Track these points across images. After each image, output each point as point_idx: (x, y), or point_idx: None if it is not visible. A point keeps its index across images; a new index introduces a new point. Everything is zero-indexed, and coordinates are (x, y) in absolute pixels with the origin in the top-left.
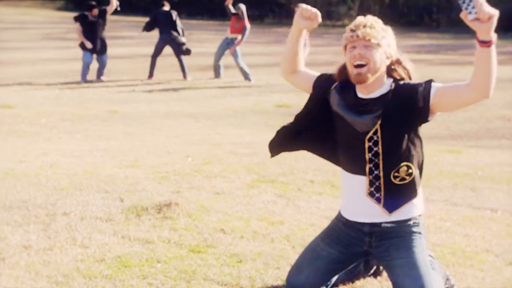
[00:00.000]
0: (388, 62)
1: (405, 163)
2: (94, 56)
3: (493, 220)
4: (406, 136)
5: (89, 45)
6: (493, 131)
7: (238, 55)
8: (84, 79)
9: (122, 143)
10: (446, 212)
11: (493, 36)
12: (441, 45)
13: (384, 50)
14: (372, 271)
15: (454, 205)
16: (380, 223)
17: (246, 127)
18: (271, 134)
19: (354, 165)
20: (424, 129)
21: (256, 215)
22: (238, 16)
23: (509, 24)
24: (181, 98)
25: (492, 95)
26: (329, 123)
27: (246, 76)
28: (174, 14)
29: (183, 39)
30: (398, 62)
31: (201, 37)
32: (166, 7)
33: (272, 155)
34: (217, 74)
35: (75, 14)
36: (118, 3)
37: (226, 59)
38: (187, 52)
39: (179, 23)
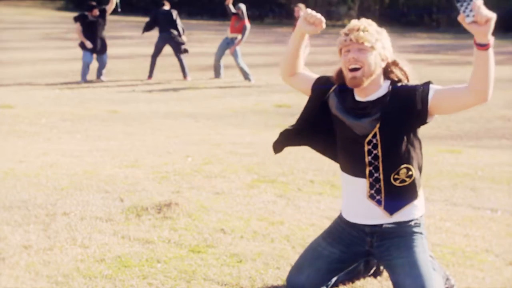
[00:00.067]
0: (383, 64)
1: (405, 165)
2: (94, 56)
3: (493, 220)
4: (405, 138)
5: (89, 44)
6: (493, 131)
7: (238, 55)
8: (84, 79)
9: (122, 143)
10: (446, 212)
11: (491, 39)
12: (441, 45)
13: (379, 53)
14: (372, 271)
15: (454, 205)
16: (381, 224)
17: (246, 127)
18: (271, 134)
19: (354, 168)
20: (424, 129)
21: (256, 215)
22: (238, 15)
23: (508, 25)
24: (181, 98)
25: (492, 96)
26: (329, 125)
27: (246, 76)
28: (175, 13)
29: (183, 38)
30: (394, 63)
31: (201, 37)
32: (166, 7)
33: (276, 153)
34: (217, 74)
35: (75, 14)
36: (118, 2)
37: (226, 59)
38: (185, 51)
39: (179, 22)
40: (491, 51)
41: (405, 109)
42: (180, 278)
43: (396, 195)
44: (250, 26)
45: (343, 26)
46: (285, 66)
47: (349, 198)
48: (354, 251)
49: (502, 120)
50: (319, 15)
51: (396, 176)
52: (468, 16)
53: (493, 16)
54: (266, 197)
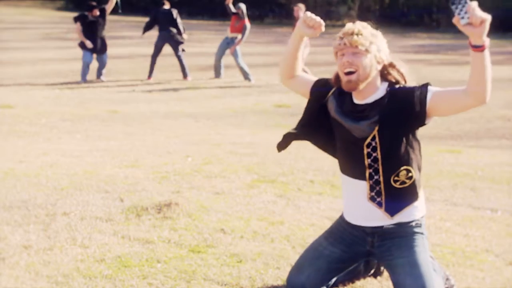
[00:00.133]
0: (379, 67)
1: (404, 167)
2: (94, 56)
3: (493, 220)
4: (404, 140)
5: (89, 44)
6: (493, 131)
7: (238, 54)
8: (84, 79)
9: (122, 143)
10: (446, 212)
11: (486, 41)
12: (441, 45)
13: (374, 56)
14: (372, 271)
15: (454, 205)
16: (382, 226)
17: (246, 127)
18: (271, 134)
19: (354, 170)
20: (424, 129)
21: (256, 215)
22: (238, 15)
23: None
24: (181, 98)
25: (492, 96)
26: (329, 126)
27: (246, 76)
28: (175, 12)
29: (184, 36)
30: (391, 65)
31: (201, 37)
32: (166, 6)
33: (280, 151)
34: (217, 74)
35: (75, 14)
36: (119, 2)
37: (226, 59)
38: (182, 50)
39: (179, 21)
40: (487, 52)
41: (403, 111)
42: (180, 278)
43: (396, 196)
44: (250, 26)
45: (343, 26)
46: (284, 67)
47: (350, 199)
48: (355, 251)
49: (502, 120)
50: (318, 18)
51: (396, 178)
52: (463, 18)
53: (487, 17)
54: (266, 197)
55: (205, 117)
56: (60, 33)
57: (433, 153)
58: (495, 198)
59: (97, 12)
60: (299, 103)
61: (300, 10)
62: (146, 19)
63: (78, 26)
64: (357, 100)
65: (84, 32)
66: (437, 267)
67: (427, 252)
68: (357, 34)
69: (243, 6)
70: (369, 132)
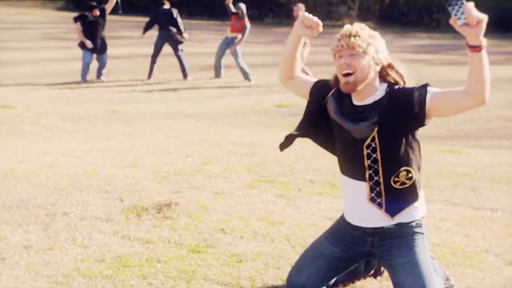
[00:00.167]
0: (378, 68)
1: (404, 167)
2: (94, 56)
3: (493, 220)
4: (403, 140)
5: (89, 44)
6: (493, 131)
7: (239, 54)
8: (84, 79)
9: (122, 143)
10: (446, 212)
11: (483, 41)
12: (441, 45)
13: (372, 57)
14: (372, 271)
15: (454, 205)
16: (383, 226)
17: (246, 127)
18: (271, 134)
19: (354, 171)
20: (424, 130)
21: (256, 215)
22: (238, 15)
23: (508, 25)
24: (181, 98)
25: (492, 96)
26: (330, 127)
27: (246, 76)
28: (175, 12)
29: (185, 35)
30: (390, 66)
31: (201, 37)
32: (166, 6)
33: (282, 150)
34: (217, 74)
35: (75, 14)
36: (120, 2)
37: (226, 58)
38: (181, 50)
39: (180, 20)
40: (484, 52)
41: (402, 112)
42: (180, 278)
43: (396, 197)
44: (250, 26)
45: (343, 26)
46: (283, 68)
47: (350, 200)
48: (356, 251)
49: (502, 120)
50: (316, 19)
51: (396, 179)
52: (459, 18)
53: (484, 17)
54: (266, 197)
55: (205, 117)
56: (60, 33)
57: (433, 153)
58: (495, 198)
59: (97, 12)
60: (299, 103)
61: (300, 10)
62: (146, 19)
63: (78, 26)
64: (356, 101)
65: (84, 32)
66: (437, 267)
67: (427, 252)
68: (354, 36)
69: (243, 6)
70: (369, 133)
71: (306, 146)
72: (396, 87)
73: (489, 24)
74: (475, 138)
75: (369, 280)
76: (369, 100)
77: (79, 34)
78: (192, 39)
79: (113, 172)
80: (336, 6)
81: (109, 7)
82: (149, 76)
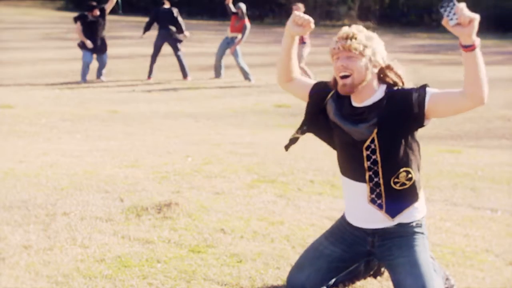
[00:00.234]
0: (375, 70)
1: (404, 168)
2: (94, 56)
3: (493, 220)
4: (403, 141)
5: (90, 44)
6: (493, 131)
7: (239, 54)
8: (84, 79)
9: (122, 143)
10: (446, 212)
11: (476, 40)
12: (441, 45)
13: (369, 59)
14: (372, 272)
15: (454, 205)
16: (383, 227)
17: (246, 127)
18: (271, 134)
19: (354, 173)
20: (423, 130)
21: (256, 215)
22: (238, 15)
23: (508, 25)
24: (181, 98)
25: (492, 96)
26: (331, 128)
27: (246, 76)
28: (175, 11)
29: (186, 34)
30: (389, 68)
31: (201, 37)
32: (166, 5)
33: (287, 150)
34: (217, 74)
35: (75, 14)
36: (120, 2)
37: (226, 58)
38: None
39: (180, 19)
40: (478, 51)
41: (402, 113)
42: (180, 278)
43: (396, 198)
44: (250, 26)
45: (343, 26)
46: (281, 69)
47: (350, 201)
48: (356, 250)
49: (502, 120)
50: (307, 16)
51: (396, 180)
52: (451, 19)
53: (476, 16)
54: (266, 197)
55: (205, 117)
56: (60, 33)
57: (433, 153)
58: (495, 198)
59: (97, 12)
60: (299, 103)
61: (299, 9)
62: (146, 19)
63: (78, 26)
64: (356, 102)
65: (84, 32)
66: (437, 267)
67: (427, 252)
68: (351, 38)
69: (243, 6)
70: (368, 135)
71: (306, 146)
72: (395, 88)
73: (489, 24)
74: (475, 138)
75: (369, 280)
76: (368, 102)
77: (79, 34)
78: (192, 39)
79: (113, 172)
80: (336, 6)
81: (109, 7)
82: (149, 76)
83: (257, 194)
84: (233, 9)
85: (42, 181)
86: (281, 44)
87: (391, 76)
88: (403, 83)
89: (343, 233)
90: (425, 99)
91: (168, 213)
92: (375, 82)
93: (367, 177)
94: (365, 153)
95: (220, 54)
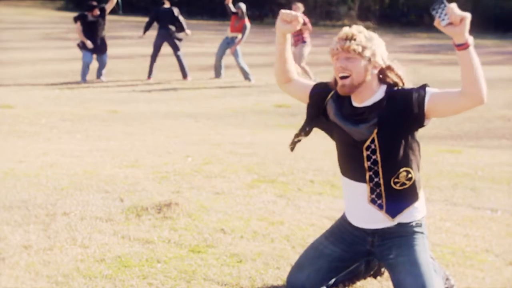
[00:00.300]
0: (375, 71)
1: (404, 168)
2: (94, 56)
3: (493, 220)
4: (403, 142)
5: (90, 44)
6: (493, 131)
7: (239, 54)
8: (84, 79)
9: (122, 143)
10: (446, 212)
11: (469, 38)
12: (441, 45)
13: (368, 60)
14: (372, 272)
15: (454, 205)
16: (383, 227)
17: (246, 127)
18: (271, 134)
19: (354, 173)
20: (424, 129)
21: (256, 215)
22: (237, 15)
23: (508, 25)
24: (181, 98)
25: (492, 96)
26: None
27: (246, 76)
28: (176, 10)
29: (188, 32)
30: (389, 68)
31: (201, 37)
32: (166, 5)
33: (292, 150)
34: (217, 74)
35: (75, 14)
36: (120, 3)
37: (226, 58)
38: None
39: (182, 18)
40: (472, 50)
41: (402, 113)
42: (180, 278)
43: (397, 198)
44: (250, 25)
45: (343, 26)
46: (277, 70)
47: (350, 202)
48: (356, 250)
49: (502, 120)
50: (294, 12)
51: (396, 180)
52: (443, 20)
53: (467, 15)
54: (266, 197)
55: (205, 117)
56: (60, 33)
57: (433, 153)
58: (495, 198)
59: (97, 12)
60: (299, 103)
61: (298, 9)
62: (146, 19)
63: (78, 26)
64: (356, 103)
65: (84, 32)
66: (437, 267)
67: (427, 251)
68: (350, 39)
69: (243, 5)
70: (368, 135)
71: (306, 146)
72: (395, 88)
73: (489, 24)
74: (475, 138)
75: (369, 280)
76: (368, 102)
77: (79, 34)
78: (192, 39)
79: (113, 172)
80: (336, 6)
81: (109, 7)
82: (149, 76)
83: (257, 194)
84: (233, 9)
85: (42, 181)
86: (275, 45)
87: (392, 77)
88: (403, 84)
89: (342, 232)
90: (424, 99)
91: (168, 213)
92: (375, 83)
93: (367, 177)
94: (365, 153)
95: (220, 54)
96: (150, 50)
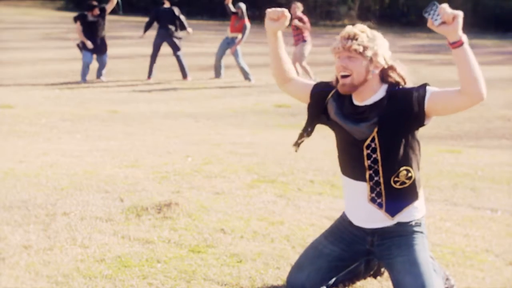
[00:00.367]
0: (376, 71)
1: (404, 167)
2: (94, 56)
3: (493, 220)
4: (403, 140)
5: (90, 45)
6: (493, 131)
7: (239, 54)
8: (84, 79)
9: (122, 143)
10: (446, 212)
11: (463, 36)
12: (441, 45)
13: (370, 60)
14: (372, 272)
15: (454, 205)
16: (383, 226)
17: (246, 127)
18: (271, 134)
19: (354, 172)
20: (424, 129)
21: (256, 215)
22: (237, 15)
23: (508, 25)
24: (181, 98)
25: (492, 96)
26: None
27: (246, 76)
28: (177, 10)
29: (189, 31)
30: (391, 68)
31: (201, 37)
32: (166, 5)
33: (296, 151)
34: (217, 74)
35: (75, 14)
36: (120, 3)
37: (226, 58)
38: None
39: (183, 17)
40: (467, 47)
41: (402, 112)
42: (180, 278)
43: (396, 197)
44: (250, 26)
45: (343, 26)
46: (274, 69)
47: (350, 201)
48: (355, 249)
49: (502, 120)
50: (280, 9)
51: (396, 179)
52: (436, 20)
53: (459, 13)
54: (266, 197)
55: (205, 117)
56: (60, 33)
57: (433, 153)
58: (495, 198)
59: (97, 11)
60: (299, 103)
61: (297, 8)
62: (146, 19)
63: (78, 26)
64: (357, 101)
65: (84, 32)
66: (437, 267)
67: (426, 251)
68: (351, 39)
69: (242, 5)
70: (369, 134)
71: (306, 146)
72: (396, 87)
73: (489, 24)
74: (475, 138)
75: (369, 280)
76: (369, 101)
77: (79, 34)
78: (192, 39)
79: (113, 172)
80: (336, 6)
81: (109, 7)
82: (149, 76)
83: (257, 194)
84: (232, 9)
85: (42, 181)
86: (269, 45)
87: (394, 77)
88: (405, 83)
89: (342, 232)
90: (425, 97)
91: (168, 213)
92: (376, 82)
93: (367, 176)
94: (365, 151)
95: (220, 54)
96: (150, 50)
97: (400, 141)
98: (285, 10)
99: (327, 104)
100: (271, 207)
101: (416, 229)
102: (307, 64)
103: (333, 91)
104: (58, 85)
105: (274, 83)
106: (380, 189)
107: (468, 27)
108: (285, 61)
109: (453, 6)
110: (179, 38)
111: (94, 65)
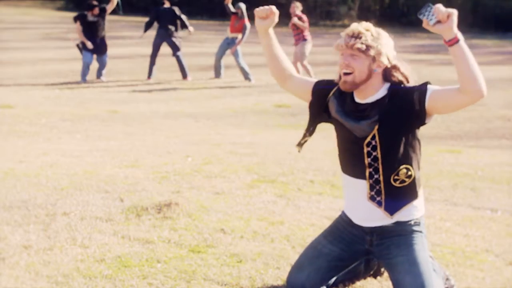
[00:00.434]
0: (379, 70)
1: (404, 165)
2: (94, 56)
3: (493, 220)
4: (404, 139)
5: (90, 45)
6: (493, 131)
7: (239, 54)
8: (84, 79)
9: (122, 143)
10: (446, 212)
11: (458, 33)
12: (441, 45)
13: (372, 59)
14: (372, 271)
15: (454, 205)
16: (382, 225)
17: (246, 127)
18: (271, 134)
19: (354, 169)
20: (424, 129)
21: (256, 215)
22: (237, 15)
23: (508, 25)
24: (181, 98)
25: (492, 96)
26: None
27: (246, 76)
28: (177, 10)
29: (190, 29)
30: (395, 68)
31: (201, 37)
32: (166, 5)
33: (299, 151)
34: (217, 74)
35: (75, 14)
36: (120, 3)
37: (226, 58)
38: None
39: (184, 16)
40: (463, 44)
41: (403, 111)
42: (180, 278)
43: (396, 195)
44: (250, 25)
45: (343, 26)
46: (272, 68)
47: (350, 199)
48: (354, 249)
49: (502, 120)
50: (267, 6)
51: (396, 177)
52: (431, 19)
53: (453, 11)
54: (266, 197)
55: (205, 117)
56: (60, 33)
57: (433, 153)
58: (495, 198)
59: (97, 11)
60: (299, 103)
61: (296, 8)
62: (146, 19)
63: (78, 26)
64: (358, 99)
65: (84, 32)
66: (437, 267)
67: (426, 250)
68: (355, 37)
69: (242, 5)
70: (369, 132)
71: (306, 146)
72: (398, 86)
73: (489, 24)
74: (475, 138)
75: (369, 280)
76: (371, 99)
77: (79, 35)
78: (192, 39)
79: (113, 172)
80: (336, 6)
81: (110, 8)
82: (149, 76)
83: (257, 194)
84: (232, 9)
85: (42, 181)
86: (262, 45)
87: (397, 76)
88: (408, 83)
89: (341, 232)
90: (425, 96)
91: (168, 213)
92: (378, 81)
93: (367, 174)
94: (365, 149)
95: (220, 54)
96: (150, 50)
97: (401, 139)
98: (273, 7)
99: (328, 102)
100: (271, 207)
101: (415, 228)
102: (308, 63)
103: (334, 89)
104: (58, 85)
105: (274, 83)
106: (380, 187)
107: (468, 27)
108: (282, 59)
109: (453, 7)
110: (179, 38)
111: (94, 65)
